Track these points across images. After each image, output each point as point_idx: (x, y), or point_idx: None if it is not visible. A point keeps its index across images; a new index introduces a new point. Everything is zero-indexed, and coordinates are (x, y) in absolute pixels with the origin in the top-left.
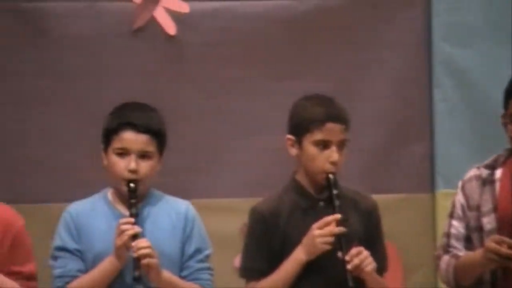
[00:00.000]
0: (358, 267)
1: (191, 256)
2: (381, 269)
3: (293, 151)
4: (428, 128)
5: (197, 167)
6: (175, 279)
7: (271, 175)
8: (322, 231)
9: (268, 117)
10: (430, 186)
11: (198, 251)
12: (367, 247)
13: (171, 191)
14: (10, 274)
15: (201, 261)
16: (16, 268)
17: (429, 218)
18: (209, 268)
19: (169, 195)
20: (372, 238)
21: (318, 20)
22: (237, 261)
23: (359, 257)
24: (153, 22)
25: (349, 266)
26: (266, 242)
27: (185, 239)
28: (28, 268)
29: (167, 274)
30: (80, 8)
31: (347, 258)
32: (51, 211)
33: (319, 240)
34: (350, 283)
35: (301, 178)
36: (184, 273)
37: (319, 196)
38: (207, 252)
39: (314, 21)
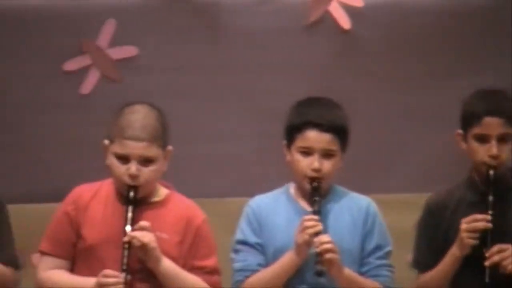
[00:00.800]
0: (499, 264)
1: (371, 253)
2: None
3: (463, 145)
4: None
5: (372, 162)
6: (355, 275)
7: (446, 169)
8: (468, 226)
9: (442, 112)
10: None
11: (378, 247)
12: None
13: (349, 186)
14: (193, 269)
15: (381, 257)
16: (199, 263)
17: None
18: (389, 265)
19: (350, 191)
20: None
21: (490, 15)
22: (409, 257)
23: (500, 255)
24: (327, 17)
25: (486, 263)
26: (433, 235)
27: (366, 235)
28: (210, 262)
29: (347, 271)
30: (255, 3)
31: (487, 254)
32: (231, 205)
33: (464, 235)
34: (486, 279)
35: (475, 172)
36: (364, 269)
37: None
38: (387, 249)
39: (486, 16)
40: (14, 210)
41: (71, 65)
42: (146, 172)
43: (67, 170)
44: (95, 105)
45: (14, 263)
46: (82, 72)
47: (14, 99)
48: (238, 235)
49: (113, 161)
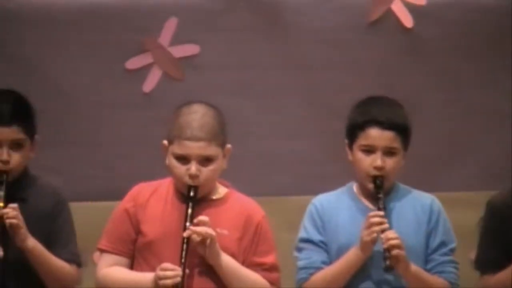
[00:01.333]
0: None
1: (435, 249)
2: None
3: None
4: None
5: (434, 160)
6: (422, 271)
7: (509, 167)
8: None
9: (504, 110)
10: None
11: (442, 244)
12: None
13: (411, 184)
14: (252, 266)
15: (446, 254)
16: (258, 260)
17: None
18: (453, 261)
19: (414, 189)
20: None
21: None
22: (472, 254)
23: None
24: (389, 15)
25: None
26: (501, 235)
27: (430, 232)
28: (270, 259)
29: (414, 267)
30: (317, 1)
31: None
32: (292, 203)
33: None
34: None
35: None
36: (428, 266)
37: None
38: (452, 245)
39: None
40: (76, 207)
41: (133, 63)
42: (206, 171)
43: (128, 169)
44: (157, 103)
45: (76, 260)
46: (144, 70)
47: (76, 97)
48: (302, 234)
49: (172, 162)
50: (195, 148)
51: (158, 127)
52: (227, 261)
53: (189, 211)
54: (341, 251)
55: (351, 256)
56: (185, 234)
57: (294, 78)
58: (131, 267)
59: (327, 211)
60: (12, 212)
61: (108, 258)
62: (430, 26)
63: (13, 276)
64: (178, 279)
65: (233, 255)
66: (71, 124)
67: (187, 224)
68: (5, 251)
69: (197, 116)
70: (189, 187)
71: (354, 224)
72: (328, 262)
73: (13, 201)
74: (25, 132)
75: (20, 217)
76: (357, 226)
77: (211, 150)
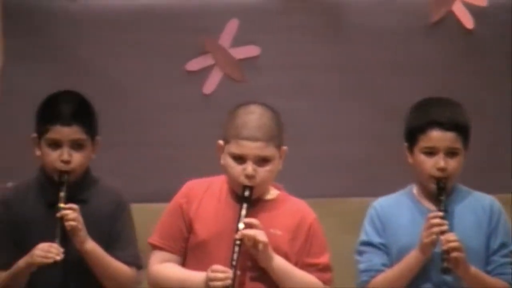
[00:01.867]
0: None
1: (496, 251)
2: None
3: None
4: None
5: (494, 161)
6: (481, 274)
7: None
8: None
9: None
10: None
11: (503, 245)
12: None
13: (470, 185)
14: (306, 267)
15: (506, 256)
16: (312, 260)
17: None
18: None
19: (473, 190)
20: None
21: None
22: None
23: None
24: (450, 16)
25: None
26: None
27: (490, 233)
28: (323, 259)
29: (474, 269)
30: (378, 1)
31: None
32: (349, 205)
33: None
34: None
35: None
36: (489, 268)
37: None
38: None
39: None
40: (135, 209)
41: (193, 65)
42: (262, 172)
43: (189, 170)
44: (217, 105)
45: (136, 262)
46: (204, 72)
47: (138, 99)
48: (362, 237)
49: (228, 161)
50: (252, 148)
51: (219, 129)
52: (280, 264)
53: (243, 211)
54: (402, 253)
55: (411, 258)
56: (237, 236)
57: (354, 80)
58: (183, 265)
59: (387, 214)
60: (72, 214)
61: (159, 254)
62: (491, 27)
63: (75, 277)
64: (229, 281)
65: (285, 256)
66: (131, 125)
67: (240, 225)
68: (65, 252)
69: (254, 116)
70: (244, 187)
71: (414, 226)
72: (389, 265)
73: (74, 202)
74: (86, 132)
75: (80, 219)
76: (417, 227)
77: (268, 150)
